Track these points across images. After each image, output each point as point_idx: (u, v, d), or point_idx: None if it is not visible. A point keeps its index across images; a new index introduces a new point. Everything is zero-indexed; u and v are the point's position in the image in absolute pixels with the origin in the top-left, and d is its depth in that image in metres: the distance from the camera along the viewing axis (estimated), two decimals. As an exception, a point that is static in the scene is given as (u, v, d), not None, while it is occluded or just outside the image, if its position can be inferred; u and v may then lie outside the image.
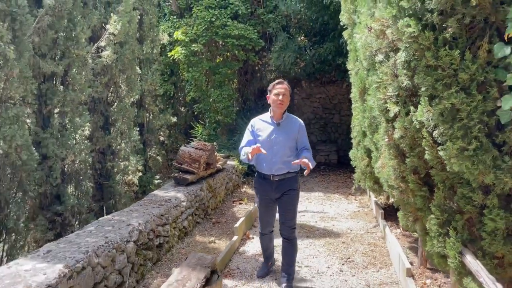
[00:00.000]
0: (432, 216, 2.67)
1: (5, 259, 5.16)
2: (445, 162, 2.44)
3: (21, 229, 5.19)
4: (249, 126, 3.80)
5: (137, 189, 8.39)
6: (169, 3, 10.68)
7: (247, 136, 3.76)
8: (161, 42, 9.79)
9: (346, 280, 3.97)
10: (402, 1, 2.39)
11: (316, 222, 6.03)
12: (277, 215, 3.84)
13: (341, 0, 5.72)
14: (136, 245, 4.24)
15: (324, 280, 4.00)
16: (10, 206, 5.07)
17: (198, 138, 10.77)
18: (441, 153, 2.42)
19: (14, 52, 4.80)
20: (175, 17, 10.52)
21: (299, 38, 10.96)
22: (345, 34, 5.79)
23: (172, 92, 11.47)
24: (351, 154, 6.10)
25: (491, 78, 2.27)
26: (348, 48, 5.84)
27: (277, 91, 3.54)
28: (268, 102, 3.66)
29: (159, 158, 9.81)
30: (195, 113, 11.45)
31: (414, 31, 2.35)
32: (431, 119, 2.42)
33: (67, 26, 5.86)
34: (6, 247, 5.24)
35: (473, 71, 2.26)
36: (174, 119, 9.85)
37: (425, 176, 2.82)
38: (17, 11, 4.84)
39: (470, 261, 2.39)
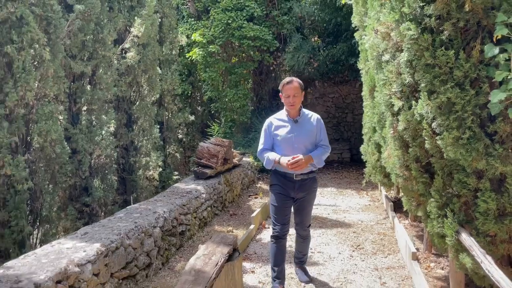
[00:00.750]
0: (432, 199, 2.97)
1: (38, 246, 5.57)
2: (442, 150, 2.73)
3: (54, 217, 5.59)
4: (265, 127, 3.61)
5: (157, 184, 8.81)
6: (187, 6, 11.08)
7: (265, 137, 3.59)
8: (180, 44, 10.19)
9: (356, 264, 4.27)
10: (404, 7, 2.69)
11: (328, 214, 6.33)
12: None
13: (353, 3, 6.01)
14: (161, 231, 4.60)
15: (335, 264, 4.31)
16: (44, 196, 5.48)
17: (214, 136, 11.15)
18: (439, 142, 2.71)
19: (49, 53, 5.22)
20: (192, 19, 10.92)
21: (312, 39, 11.26)
22: (356, 35, 6.08)
23: (189, 92, 11.87)
24: (362, 149, 6.39)
25: (483, 75, 2.55)
26: (359, 48, 6.13)
27: (287, 93, 3.41)
28: (282, 101, 3.53)
29: (177, 155, 10.21)
30: (212, 112, 11.82)
31: (414, 34, 2.64)
32: (430, 112, 2.72)
33: (95, 29, 6.28)
34: (39, 234, 5.66)
35: (466, 69, 2.54)
36: (192, 118, 10.23)
37: (426, 164, 3.10)
38: (52, 15, 5.25)
39: (465, 238, 2.68)
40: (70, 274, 3.13)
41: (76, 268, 3.21)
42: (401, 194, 6.15)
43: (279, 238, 3.60)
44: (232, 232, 5.66)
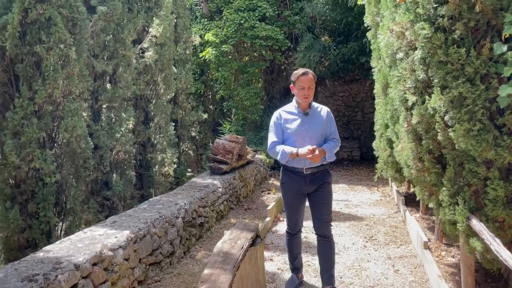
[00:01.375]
0: (444, 188, 3.15)
1: (62, 237, 5.82)
2: (454, 142, 2.92)
3: (78, 209, 5.84)
4: (274, 119, 3.49)
5: (172, 180, 9.05)
6: (201, 7, 11.31)
7: (275, 131, 3.48)
8: (193, 43, 10.43)
9: (369, 254, 4.47)
10: (418, 8, 2.89)
11: (341, 208, 6.52)
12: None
13: (365, 3, 6.19)
14: (183, 222, 4.83)
15: (350, 253, 4.50)
16: (69, 189, 5.74)
17: (225, 134, 11.38)
18: (451, 134, 2.90)
19: (75, 53, 5.47)
20: (205, 19, 11.15)
21: (323, 38, 11.45)
22: (369, 34, 6.26)
23: (202, 91, 12.10)
24: (374, 144, 6.56)
25: (492, 71, 2.74)
26: (371, 47, 6.31)
27: (302, 84, 3.30)
28: (292, 93, 3.46)
29: (190, 152, 10.46)
30: (224, 110, 12.05)
31: (428, 33, 2.84)
32: (443, 106, 2.90)
33: (116, 29, 6.53)
34: (63, 226, 5.91)
35: (477, 65, 2.73)
36: (205, 116, 10.47)
37: (438, 156, 3.29)
38: (78, 17, 5.51)
39: (475, 223, 2.86)
40: (105, 257, 3.36)
41: (109, 252, 3.44)
42: (412, 189, 6.32)
43: (294, 234, 3.62)
44: (248, 224, 5.88)
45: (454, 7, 2.75)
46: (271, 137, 3.48)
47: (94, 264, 3.26)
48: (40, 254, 3.28)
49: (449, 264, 3.95)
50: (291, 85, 3.43)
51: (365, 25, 6.34)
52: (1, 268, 3.00)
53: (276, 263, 4.31)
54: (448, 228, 3.27)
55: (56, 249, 3.37)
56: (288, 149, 3.34)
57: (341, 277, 3.89)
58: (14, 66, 5.19)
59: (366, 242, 4.86)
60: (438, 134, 3.06)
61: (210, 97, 12.84)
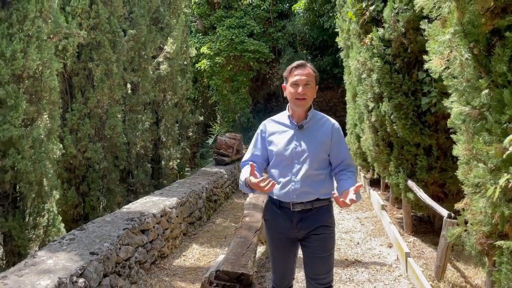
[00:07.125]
0: (392, 163, 4.90)
1: (102, 211, 7.26)
2: (397, 132, 4.66)
3: (116, 190, 7.33)
4: (258, 131, 2.57)
5: (176, 173, 10.58)
6: (196, 23, 12.90)
7: (253, 146, 2.56)
8: (190, 56, 12.00)
9: (344, 216, 6.19)
10: (374, 49, 4.62)
11: (320, 190, 8.25)
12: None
13: (339, 30, 7.95)
14: (206, 196, 6.42)
15: (330, 216, 6.20)
16: (110, 174, 7.21)
17: (215, 134, 12.96)
18: (395, 127, 4.64)
19: (116, 68, 6.98)
20: (200, 34, 12.74)
21: (299, 48, 13.25)
22: (341, 54, 8.04)
23: (196, 96, 13.67)
24: (346, 139, 8.33)
25: (419, 88, 4.50)
26: (344, 64, 8.08)
27: (296, 78, 2.34)
28: (285, 95, 2.46)
29: (188, 150, 12.01)
30: (216, 114, 13.65)
31: (380, 65, 4.57)
32: (389, 110, 4.65)
33: (140, 47, 8.06)
34: (103, 204, 7.36)
35: (409, 85, 4.49)
36: (201, 118, 12.04)
37: (388, 142, 5.04)
38: (118, 40, 7.03)
39: (410, 183, 4.62)
40: (167, 212, 4.94)
41: (169, 209, 5.02)
42: (376, 176, 8.11)
43: None
44: (249, 202, 7.51)
45: (395, 49, 4.50)
46: (246, 154, 2.63)
47: (161, 216, 4.82)
48: (123, 210, 4.82)
49: (397, 218, 5.71)
50: (283, 84, 2.50)
51: (338, 46, 8.11)
52: (107, 215, 4.54)
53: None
54: (395, 189, 5.02)
55: (133, 207, 4.91)
56: (242, 175, 2.42)
57: (325, 229, 5.58)
58: (70, 79, 6.67)
59: (341, 210, 6.59)
60: (387, 127, 4.81)
61: (202, 101, 14.40)
